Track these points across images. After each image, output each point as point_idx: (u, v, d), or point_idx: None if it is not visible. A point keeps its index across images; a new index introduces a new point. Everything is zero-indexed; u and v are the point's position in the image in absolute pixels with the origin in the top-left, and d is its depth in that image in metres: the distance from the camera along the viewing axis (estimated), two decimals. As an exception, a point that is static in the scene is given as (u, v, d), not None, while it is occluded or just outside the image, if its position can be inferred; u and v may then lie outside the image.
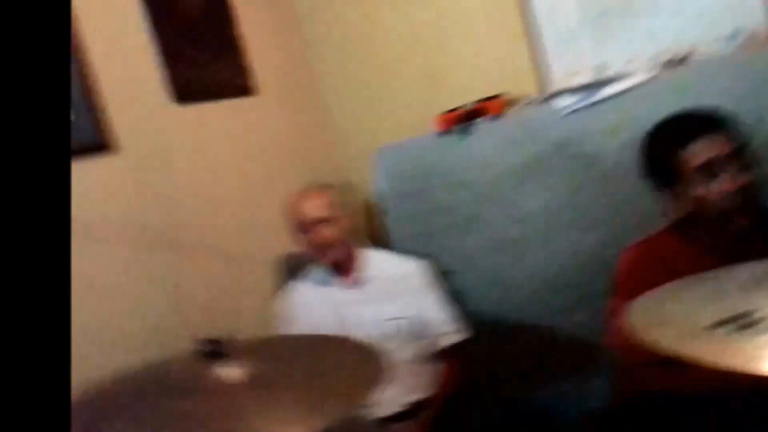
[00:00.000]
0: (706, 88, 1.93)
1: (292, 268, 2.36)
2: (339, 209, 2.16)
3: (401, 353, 2.13)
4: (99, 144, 1.88)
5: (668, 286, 1.17)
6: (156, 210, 1.99)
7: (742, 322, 0.79)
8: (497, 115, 2.30)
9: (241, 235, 2.28)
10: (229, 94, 2.32)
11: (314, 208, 2.13)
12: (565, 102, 2.20)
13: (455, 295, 2.44)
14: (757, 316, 0.80)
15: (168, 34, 2.09)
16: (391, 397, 2.08)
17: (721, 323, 0.81)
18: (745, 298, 0.89)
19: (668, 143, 1.58)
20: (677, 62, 2.16)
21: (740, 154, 1.52)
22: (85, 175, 1.82)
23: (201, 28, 2.21)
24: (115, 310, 1.79)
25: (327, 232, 2.12)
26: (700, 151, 1.52)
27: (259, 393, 1.07)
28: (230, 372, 1.10)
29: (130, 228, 1.90)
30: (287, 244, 2.29)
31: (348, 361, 1.22)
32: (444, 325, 2.20)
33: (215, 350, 1.12)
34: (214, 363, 1.11)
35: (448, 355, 2.20)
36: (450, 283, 2.45)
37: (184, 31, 2.15)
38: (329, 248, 2.13)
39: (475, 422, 2.18)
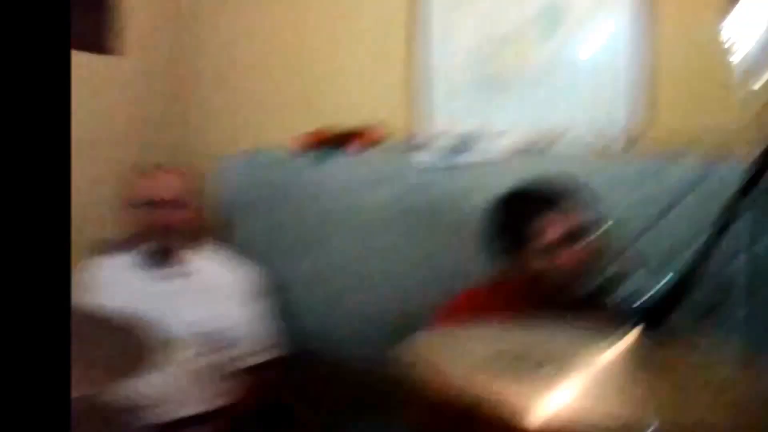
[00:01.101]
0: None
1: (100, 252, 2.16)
2: (190, 195, 2.04)
3: (203, 359, 2.01)
4: None
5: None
6: None
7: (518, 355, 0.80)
8: (358, 149, 2.29)
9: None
10: (86, 48, 2.12)
11: (167, 187, 1.99)
12: (426, 158, 2.23)
13: (285, 312, 2.36)
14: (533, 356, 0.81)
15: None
16: (183, 401, 1.94)
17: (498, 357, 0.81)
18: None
19: (520, 213, 1.61)
20: (539, 148, 2.22)
21: (585, 228, 1.58)
22: None
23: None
24: None
25: (173, 216, 1.98)
26: (553, 223, 1.56)
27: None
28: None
29: None
30: (100, 226, 2.10)
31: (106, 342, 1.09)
32: (256, 342, 2.11)
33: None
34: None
35: (254, 371, 2.10)
36: (284, 298, 2.36)
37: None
38: (167, 233, 1.99)
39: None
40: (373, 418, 2.29)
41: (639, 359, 0.87)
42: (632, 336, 0.90)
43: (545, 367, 0.82)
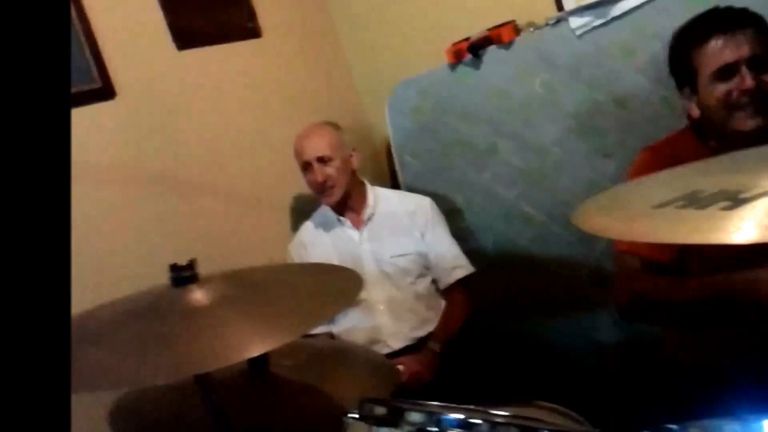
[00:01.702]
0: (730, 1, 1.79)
1: (303, 210, 2.36)
2: (339, 148, 2.12)
3: (409, 289, 2.13)
4: (101, 90, 1.89)
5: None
6: (158, 154, 1.99)
7: (687, 202, 0.73)
8: (509, 41, 2.21)
9: (251, 178, 2.26)
10: (234, 38, 2.28)
11: (313, 147, 2.10)
12: (579, 21, 2.09)
13: (471, 229, 2.41)
14: (703, 195, 0.73)
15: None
16: (399, 332, 2.09)
17: (666, 203, 0.75)
18: (701, 180, 0.82)
19: (687, 42, 1.50)
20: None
21: (760, 57, 1.41)
22: (88, 120, 1.84)
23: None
24: (115, 251, 1.82)
25: (326, 171, 2.09)
26: (718, 51, 1.42)
27: (223, 315, 1.06)
28: (198, 295, 1.10)
29: (131, 172, 1.92)
30: (298, 187, 2.28)
31: (317, 286, 1.20)
32: (450, 261, 2.18)
33: (184, 275, 1.11)
34: (184, 288, 1.11)
35: (455, 290, 2.18)
36: (466, 218, 2.42)
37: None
38: (329, 188, 2.11)
39: (482, 356, 2.16)
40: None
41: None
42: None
43: (721, 199, 0.73)
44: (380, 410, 1.00)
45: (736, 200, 0.69)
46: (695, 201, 0.73)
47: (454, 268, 2.17)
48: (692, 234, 0.69)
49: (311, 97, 2.51)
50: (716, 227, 0.68)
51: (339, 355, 1.61)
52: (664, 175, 1.00)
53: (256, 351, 1.04)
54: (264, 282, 1.23)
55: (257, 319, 1.08)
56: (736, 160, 0.96)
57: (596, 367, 2.25)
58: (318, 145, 2.10)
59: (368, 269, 2.12)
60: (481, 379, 2.09)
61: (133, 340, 1.04)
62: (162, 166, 2.00)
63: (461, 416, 0.96)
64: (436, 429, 0.94)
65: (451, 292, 2.19)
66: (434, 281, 2.19)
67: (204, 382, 1.09)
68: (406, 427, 0.95)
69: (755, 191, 0.70)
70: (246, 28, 2.32)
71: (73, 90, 1.82)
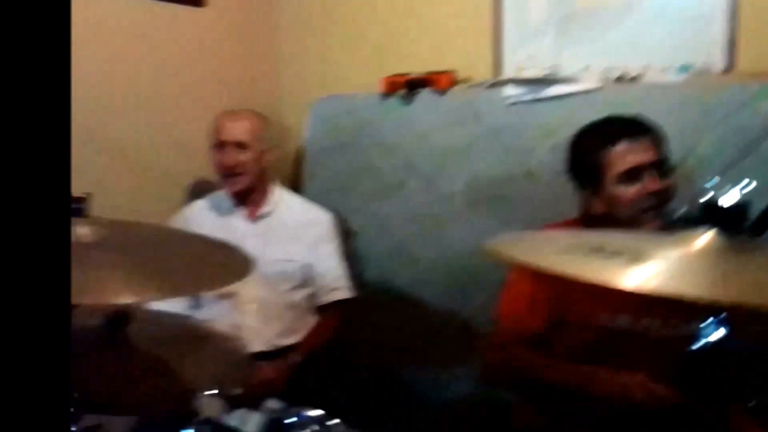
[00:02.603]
0: (648, 109, 1.94)
1: (198, 193, 2.29)
2: (259, 139, 2.10)
3: (284, 295, 2.11)
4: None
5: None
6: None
7: (592, 248, 0.79)
8: (443, 89, 2.28)
9: (156, 146, 2.18)
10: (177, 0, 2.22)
11: (234, 130, 2.07)
12: (512, 92, 2.19)
13: (357, 256, 2.43)
14: (608, 249, 0.79)
15: None
16: (263, 335, 2.05)
17: (574, 248, 0.81)
18: (607, 240, 0.88)
19: (595, 143, 1.59)
20: (627, 80, 2.18)
21: (661, 162, 1.54)
22: None
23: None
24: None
25: (239, 158, 2.05)
26: (625, 154, 1.53)
27: (101, 256, 1.00)
28: (82, 230, 1.03)
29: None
30: (200, 166, 2.22)
31: (203, 257, 1.17)
32: (333, 280, 2.18)
33: (73, 206, 1.05)
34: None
35: (329, 309, 2.18)
36: (356, 244, 2.43)
37: None
38: (236, 175, 2.07)
39: (335, 380, 2.16)
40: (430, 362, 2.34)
41: (714, 254, 0.85)
42: (708, 236, 0.88)
43: (623, 254, 0.80)
44: (237, 390, 0.98)
45: (636, 258, 0.75)
46: (601, 252, 0.79)
47: (335, 288, 2.17)
48: (593, 273, 0.74)
49: (236, 81, 2.47)
50: (615, 272, 0.73)
51: (200, 337, 1.56)
52: (573, 233, 1.06)
53: (123, 299, 0.99)
54: (151, 238, 1.17)
55: (134, 269, 1.03)
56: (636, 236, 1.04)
57: (444, 423, 2.30)
58: (240, 129, 2.06)
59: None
60: (326, 404, 2.07)
61: None
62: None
63: (320, 413, 0.95)
64: (295, 419, 0.93)
65: (326, 310, 2.18)
66: (311, 296, 2.18)
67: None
68: (264, 413, 0.93)
69: (653, 255, 0.76)
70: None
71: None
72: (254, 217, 2.14)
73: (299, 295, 2.14)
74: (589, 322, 1.53)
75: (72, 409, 1.08)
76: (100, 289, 0.97)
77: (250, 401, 0.95)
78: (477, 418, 2.19)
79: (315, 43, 2.64)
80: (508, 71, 2.30)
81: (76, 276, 0.96)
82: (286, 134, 2.66)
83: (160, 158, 2.20)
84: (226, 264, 1.14)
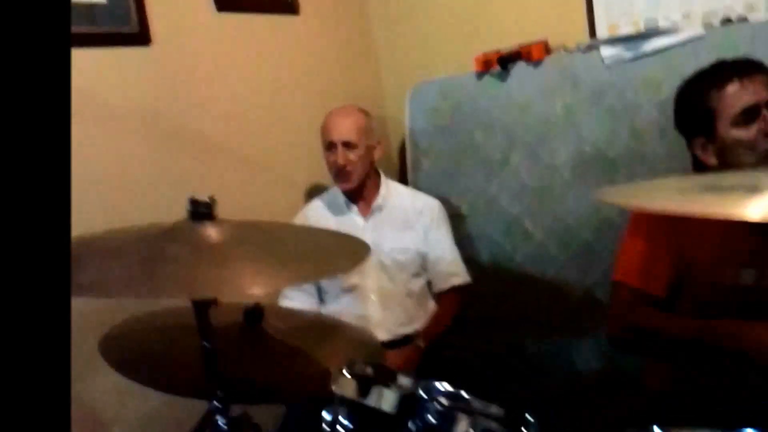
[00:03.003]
0: (758, 50, 1.84)
1: (314, 189, 2.39)
2: (366, 136, 2.15)
3: (403, 284, 2.15)
4: (137, 35, 1.91)
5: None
6: (181, 107, 2.01)
7: (706, 186, 0.77)
8: (538, 59, 2.26)
9: (266, 149, 2.28)
10: (272, 10, 2.31)
11: (341, 130, 2.12)
12: (610, 51, 2.14)
13: (470, 237, 2.44)
14: (722, 185, 0.77)
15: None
16: (386, 324, 2.10)
17: (687, 189, 0.79)
18: (719, 179, 0.86)
19: (704, 89, 1.53)
20: (729, 21, 2.07)
21: None
22: (120, 62, 1.86)
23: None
24: (123, 204, 1.83)
25: (348, 157, 2.10)
26: (739, 94, 1.46)
27: (232, 254, 1.08)
28: (212, 231, 1.12)
29: (152, 119, 1.93)
30: (311, 164, 2.31)
31: (324, 246, 1.23)
32: (449, 266, 2.20)
33: (202, 210, 1.13)
34: (200, 223, 1.13)
35: (447, 295, 2.20)
36: (467, 225, 2.45)
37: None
38: (347, 173, 2.12)
39: (462, 362, 2.17)
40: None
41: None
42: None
43: (739, 189, 0.77)
44: (369, 370, 1.02)
45: (753, 190, 0.72)
46: (715, 189, 0.77)
47: (451, 274, 2.19)
48: (713, 207, 0.72)
49: (336, 80, 2.54)
50: (735, 204, 0.71)
51: (329, 328, 1.63)
52: (682, 176, 1.03)
53: (258, 290, 1.07)
54: (274, 233, 1.25)
55: (264, 262, 1.10)
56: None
57: (574, 392, 2.28)
58: (347, 129, 2.12)
59: (374, 256, 2.12)
60: (455, 386, 2.10)
61: (144, 258, 1.06)
62: (182, 120, 2.01)
63: (450, 389, 0.98)
64: (425, 396, 0.96)
65: (444, 297, 2.20)
66: (428, 283, 2.21)
67: (202, 310, 1.11)
68: (396, 389, 0.97)
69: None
70: (286, 2, 2.35)
71: (111, 30, 1.85)
72: (368, 212, 2.20)
73: (417, 283, 2.18)
74: (711, 278, 1.47)
75: (221, 402, 1.17)
76: (237, 285, 1.04)
77: (383, 380, 0.99)
78: (606, 387, 2.15)
79: (407, 31, 2.67)
80: (602, 32, 2.24)
81: (212, 273, 1.05)
82: (389, 125, 2.72)
83: (276, 162, 2.30)
84: (344, 251, 1.20)
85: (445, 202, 2.33)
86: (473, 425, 0.92)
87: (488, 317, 2.37)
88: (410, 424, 0.93)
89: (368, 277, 2.13)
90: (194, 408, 1.30)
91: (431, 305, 2.21)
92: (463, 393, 0.97)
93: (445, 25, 2.56)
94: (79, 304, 1.64)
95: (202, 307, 1.12)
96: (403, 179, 2.57)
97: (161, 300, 1.62)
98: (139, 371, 1.30)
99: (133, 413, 1.79)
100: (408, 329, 2.12)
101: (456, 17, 2.53)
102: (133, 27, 1.90)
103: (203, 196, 1.14)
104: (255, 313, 1.39)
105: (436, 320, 2.16)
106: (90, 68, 1.77)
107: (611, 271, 1.62)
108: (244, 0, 2.21)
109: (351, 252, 1.18)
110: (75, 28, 1.74)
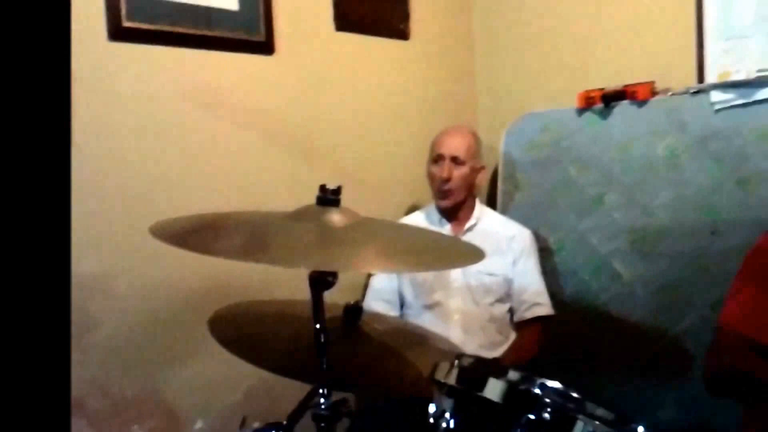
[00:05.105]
0: None
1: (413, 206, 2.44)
2: (473, 157, 2.20)
3: (486, 308, 2.15)
4: (263, 44, 2.03)
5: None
6: (299, 115, 2.13)
7: None
8: (644, 99, 2.26)
9: (372, 162, 2.37)
10: (386, 34, 2.41)
11: (452, 144, 2.17)
12: (721, 96, 2.12)
13: (555, 272, 2.42)
14: None
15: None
16: (465, 347, 2.07)
17: None
18: None
19: None
20: None
21: None
22: (246, 67, 2.00)
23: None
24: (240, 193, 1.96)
25: (454, 172, 2.15)
26: None
27: (354, 237, 1.14)
28: (336, 217, 1.17)
29: (271, 124, 2.05)
30: (408, 188, 2.37)
31: (440, 243, 1.27)
32: (533, 296, 2.19)
33: (330, 197, 1.19)
34: (326, 208, 1.19)
35: (529, 325, 2.19)
36: (554, 260, 2.43)
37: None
38: (447, 191, 2.16)
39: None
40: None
41: None
42: None
43: None
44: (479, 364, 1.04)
45: None
46: None
47: (536, 304, 2.19)
48: None
49: (437, 105, 2.61)
50: None
51: (418, 335, 1.66)
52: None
53: (375, 269, 1.09)
54: (392, 227, 1.30)
55: (383, 246, 1.15)
56: None
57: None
58: (458, 145, 2.18)
59: (454, 277, 2.16)
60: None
61: (272, 232, 1.12)
62: (300, 127, 2.14)
63: (562, 387, 0.99)
64: (539, 391, 0.97)
65: (525, 326, 2.19)
66: (512, 310, 2.21)
67: (319, 289, 1.16)
68: (508, 382, 0.98)
69: None
70: (398, 28, 2.45)
71: (240, 37, 1.98)
72: (459, 231, 2.23)
73: (500, 309, 2.18)
74: None
75: (325, 386, 1.21)
76: (356, 261, 1.09)
77: (494, 373, 1.01)
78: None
79: (510, 62, 2.72)
80: (711, 77, 2.23)
81: (334, 251, 1.11)
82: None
83: (375, 177, 2.38)
84: (459, 250, 1.23)
85: (534, 234, 2.33)
86: (586, 426, 0.92)
87: (566, 356, 2.33)
88: (523, 419, 0.94)
89: (453, 297, 2.15)
90: (288, 389, 1.36)
91: (512, 333, 2.20)
92: (574, 393, 0.97)
93: (551, 60, 2.58)
94: (191, 286, 1.75)
95: (319, 285, 1.17)
96: (491, 207, 2.59)
97: (274, 291, 1.73)
98: (244, 349, 1.35)
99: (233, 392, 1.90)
100: (488, 354, 2.11)
101: (562, 52, 2.55)
102: (260, 36, 2.02)
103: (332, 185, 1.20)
104: (354, 311, 1.43)
105: (517, 349, 2.15)
106: (221, 69, 1.93)
107: (706, 323, 1.58)
108: (361, 22, 2.32)
109: (466, 252, 1.21)
110: (207, 31, 1.89)
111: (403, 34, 2.47)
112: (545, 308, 2.19)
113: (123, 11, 1.73)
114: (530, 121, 2.50)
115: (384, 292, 2.16)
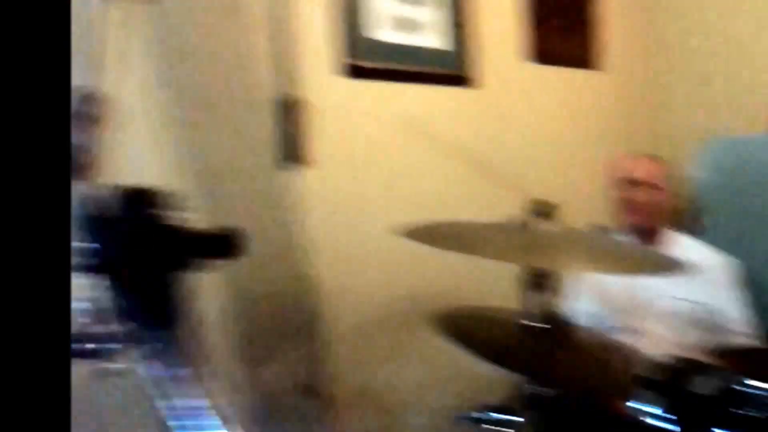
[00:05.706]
0: None
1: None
2: (667, 183, 2.20)
3: (681, 335, 2.10)
4: (459, 77, 2.26)
5: None
6: (494, 143, 2.33)
7: None
8: None
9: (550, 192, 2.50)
10: (573, 64, 2.56)
11: (649, 170, 2.18)
12: None
13: (749, 304, 2.35)
14: None
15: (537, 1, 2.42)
16: None
17: None
18: None
19: None
20: None
21: None
22: (442, 99, 2.23)
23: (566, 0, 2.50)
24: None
25: (648, 196, 2.15)
26: None
27: (567, 243, 1.30)
28: (551, 227, 1.34)
29: (469, 149, 2.26)
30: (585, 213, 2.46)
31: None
32: (737, 325, 2.13)
33: (545, 209, 1.36)
34: (541, 219, 1.36)
35: (730, 355, 2.10)
36: (748, 291, 2.36)
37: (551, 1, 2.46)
38: (644, 213, 2.15)
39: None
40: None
41: None
42: None
43: None
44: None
45: None
46: None
47: (738, 333, 2.13)
48: None
49: (621, 135, 2.70)
50: None
51: (616, 343, 1.75)
52: None
53: (586, 270, 1.26)
54: (600, 238, 1.44)
55: (591, 251, 1.30)
56: None
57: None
58: (655, 171, 2.19)
59: (654, 304, 2.16)
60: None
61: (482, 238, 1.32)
62: (496, 153, 2.34)
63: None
64: (747, 390, 1.02)
65: (725, 356, 2.04)
66: (709, 339, 2.12)
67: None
68: (714, 379, 1.06)
69: None
70: (584, 58, 2.59)
71: (439, 71, 2.22)
72: (654, 255, 2.24)
73: (698, 336, 2.12)
74: None
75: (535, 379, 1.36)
76: (567, 262, 1.26)
77: (701, 370, 1.08)
78: None
79: (696, 89, 2.73)
80: None
81: (548, 252, 1.28)
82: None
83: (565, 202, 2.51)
84: (665, 260, 1.35)
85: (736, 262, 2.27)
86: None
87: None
88: (732, 414, 1.00)
89: (645, 321, 2.14)
90: (497, 386, 1.51)
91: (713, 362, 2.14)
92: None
93: (741, 86, 2.57)
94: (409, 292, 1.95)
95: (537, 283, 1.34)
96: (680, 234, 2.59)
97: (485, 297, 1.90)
98: (467, 343, 1.53)
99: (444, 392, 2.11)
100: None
101: (747, 75, 2.54)
102: (458, 70, 2.25)
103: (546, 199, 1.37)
104: (556, 318, 1.57)
105: None
106: (431, 102, 2.18)
107: None
108: (560, 56, 2.50)
109: (673, 263, 1.32)
110: (425, 68, 2.17)
111: (592, 65, 2.59)
112: (742, 338, 2.12)
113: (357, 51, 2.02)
114: (723, 147, 2.47)
115: (580, 313, 2.20)
